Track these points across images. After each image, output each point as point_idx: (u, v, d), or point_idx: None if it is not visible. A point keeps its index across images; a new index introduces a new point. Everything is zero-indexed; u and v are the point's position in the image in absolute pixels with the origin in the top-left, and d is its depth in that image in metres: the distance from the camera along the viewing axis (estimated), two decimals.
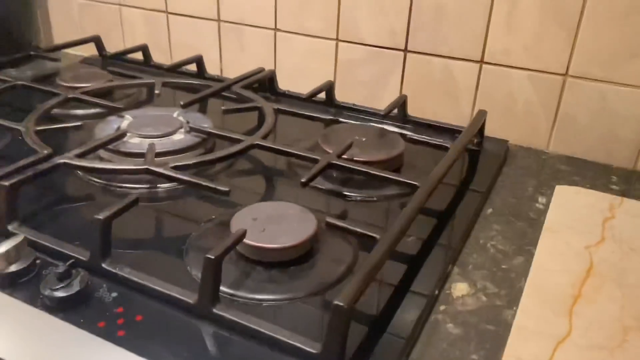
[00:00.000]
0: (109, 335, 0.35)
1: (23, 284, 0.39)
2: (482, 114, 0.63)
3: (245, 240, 0.41)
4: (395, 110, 0.66)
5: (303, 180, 0.46)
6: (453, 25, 0.66)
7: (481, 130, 0.64)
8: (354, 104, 0.71)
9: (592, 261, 0.44)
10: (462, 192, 0.55)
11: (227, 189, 0.45)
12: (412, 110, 0.70)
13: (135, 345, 0.34)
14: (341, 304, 0.32)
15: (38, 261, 0.41)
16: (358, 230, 0.40)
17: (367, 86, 0.74)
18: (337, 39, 0.73)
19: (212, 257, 0.36)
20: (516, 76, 0.65)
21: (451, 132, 0.65)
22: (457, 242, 0.47)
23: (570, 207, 0.52)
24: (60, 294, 0.37)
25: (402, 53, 0.70)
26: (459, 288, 0.43)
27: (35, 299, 0.38)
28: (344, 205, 0.52)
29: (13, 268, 0.39)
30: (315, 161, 0.50)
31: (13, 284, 0.39)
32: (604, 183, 0.60)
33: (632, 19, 0.57)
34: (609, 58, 0.60)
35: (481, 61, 0.66)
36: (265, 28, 0.77)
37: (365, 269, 0.35)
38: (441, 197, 0.52)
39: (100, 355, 0.34)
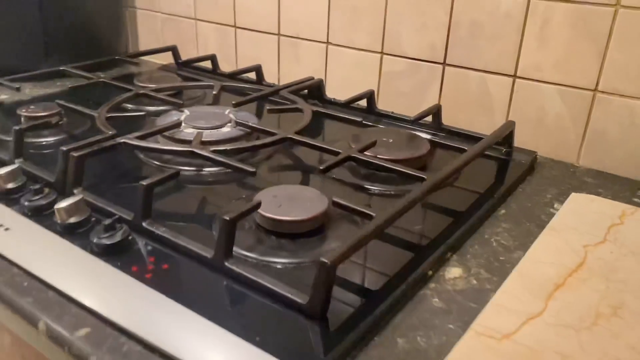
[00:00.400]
0: (139, 276, 0.42)
1: (79, 233, 0.47)
2: (509, 124, 0.66)
3: (261, 212, 0.47)
4: (430, 119, 0.71)
5: (321, 167, 0.52)
6: (488, 40, 0.70)
7: (510, 140, 0.67)
8: (392, 112, 0.76)
9: (586, 258, 0.47)
10: (485, 197, 0.58)
11: (253, 170, 0.51)
12: (449, 121, 0.74)
13: (159, 285, 0.41)
14: (326, 261, 0.37)
15: (93, 219, 0.49)
16: (358, 208, 0.45)
17: (407, 97, 0.79)
18: (381, 52, 0.79)
19: (227, 219, 0.42)
20: (547, 91, 0.67)
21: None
22: (462, 234, 0.51)
23: (580, 211, 0.54)
24: (105, 241, 0.45)
25: (440, 66, 0.75)
26: (453, 272, 0.47)
27: (86, 245, 0.46)
28: (361, 196, 0.57)
29: (72, 220, 0.48)
30: (337, 154, 0.56)
31: (71, 233, 0.47)
32: (627, 196, 0.61)
33: None
34: (638, 74, 0.61)
35: (514, 75, 0.69)
36: (319, 42, 0.85)
37: (354, 238, 0.40)
38: (463, 201, 0.56)
39: (130, 290, 0.41)
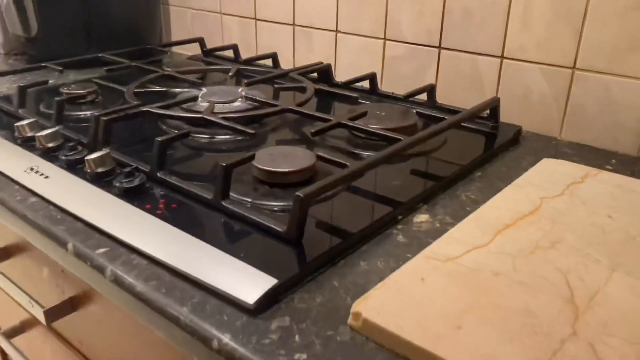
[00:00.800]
0: (150, 212, 0.51)
1: (105, 181, 0.56)
2: (493, 99, 0.72)
3: (256, 164, 0.55)
4: (426, 98, 0.78)
5: (312, 131, 0.60)
6: (478, 25, 0.76)
7: (496, 115, 0.73)
8: (392, 92, 0.83)
9: (540, 207, 0.52)
10: (467, 165, 0.64)
11: (253, 132, 0.59)
12: (445, 100, 0.80)
13: (166, 218, 0.50)
14: (300, 195, 0.45)
15: (117, 171, 0.58)
16: (335, 160, 0.53)
17: (408, 79, 0.86)
18: (384, 38, 0.86)
19: (224, 165, 0.50)
20: (531, 70, 0.73)
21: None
22: (436, 190, 0.58)
23: (546, 172, 0.60)
24: (125, 185, 0.54)
25: (437, 50, 0.81)
26: (421, 217, 0.53)
27: (110, 189, 0.55)
28: (349, 158, 0.64)
29: (99, 170, 0.57)
30: (329, 121, 0.63)
31: (98, 180, 0.56)
32: (600, 164, 0.66)
33: (631, 15, 0.64)
34: (612, 52, 0.66)
35: (501, 56, 0.75)
36: (329, 30, 0.92)
37: (325, 180, 0.48)
38: (446, 168, 0.62)
39: (142, 221, 0.50)
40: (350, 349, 0.37)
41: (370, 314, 0.38)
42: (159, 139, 0.56)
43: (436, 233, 0.50)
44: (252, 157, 0.54)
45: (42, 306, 0.56)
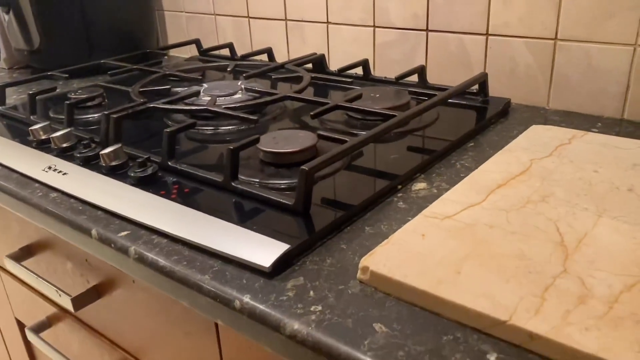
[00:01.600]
0: (166, 197, 0.54)
1: (119, 173, 0.60)
2: (480, 75, 0.75)
3: (261, 147, 0.58)
4: (417, 79, 0.81)
5: (312, 113, 0.63)
6: (462, 5, 0.79)
7: (485, 90, 0.77)
8: (385, 77, 0.86)
9: (530, 167, 0.56)
10: (462, 137, 0.67)
11: (255, 118, 0.63)
12: (435, 80, 0.84)
13: (181, 201, 0.53)
14: (305, 168, 0.48)
15: (130, 164, 0.62)
16: (335, 136, 0.56)
17: (399, 63, 0.89)
18: (374, 26, 0.90)
19: (232, 148, 0.54)
20: (515, 44, 0.77)
21: (461, 93, 0.78)
22: (431, 161, 0.61)
23: (535, 137, 0.63)
24: (139, 174, 0.57)
25: (424, 32, 0.85)
26: (419, 185, 0.57)
27: (126, 179, 0.58)
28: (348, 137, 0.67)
29: (113, 163, 0.60)
30: (327, 104, 0.67)
31: (113, 172, 0.60)
32: (586, 128, 0.69)
33: None
34: (590, 20, 0.70)
35: (487, 34, 0.79)
36: (320, 22, 0.96)
37: (327, 154, 0.51)
38: (440, 141, 0.65)
39: (159, 205, 0.53)
40: (360, 299, 0.40)
41: (377, 266, 0.41)
42: (167, 129, 0.60)
43: (434, 198, 0.53)
44: (257, 140, 0.57)
45: (69, 295, 0.60)
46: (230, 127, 0.71)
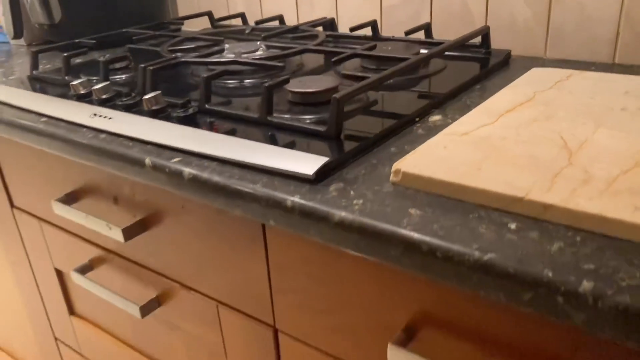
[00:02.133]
0: (209, 130, 0.60)
1: (160, 117, 0.66)
2: (483, 28, 0.81)
3: (289, 88, 0.64)
4: (424, 36, 0.87)
5: (333, 59, 0.69)
6: None
7: (487, 43, 0.83)
8: (392, 36, 0.93)
9: (534, 97, 0.62)
10: (469, 81, 0.73)
11: (282, 64, 0.69)
12: (440, 37, 0.90)
13: (224, 133, 0.59)
14: (337, 96, 0.55)
15: (169, 109, 0.67)
16: (357, 74, 0.62)
17: (405, 24, 0.95)
18: None
19: (266, 86, 0.60)
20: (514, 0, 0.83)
21: (466, 47, 0.85)
22: (443, 99, 0.67)
23: (536, 77, 0.70)
24: (181, 114, 0.63)
25: None
26: (434, 117, 0.63)
27: (168, 120, 0.64)
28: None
29: (154, 107, 0.66)
30: (346, 52, 0.73)
31: (155, 115, 0.66)
32: (582, 71, 0.76)
33: None
34: None
35: None
36: None
37: (354, 87, 0.57)
38: (449, 87, 0.71)
39: (203, 136, 0.59)
40: (395, 195, 0.46)
41: (407, 168, 0.47)
42: (204, 75, 0.66)
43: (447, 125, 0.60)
44: (287, 81, 0.63)
45: (118, 226, 0.66)
46: (253, 80, 0.77)
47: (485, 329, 0.43)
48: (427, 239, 0.40)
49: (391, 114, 0.62)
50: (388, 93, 0.69)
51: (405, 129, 0.60)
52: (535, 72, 0.71)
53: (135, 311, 0.70)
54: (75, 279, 0.78)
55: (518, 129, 0.54)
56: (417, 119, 0.63)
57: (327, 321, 0.54)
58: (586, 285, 0.34)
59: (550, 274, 0.35)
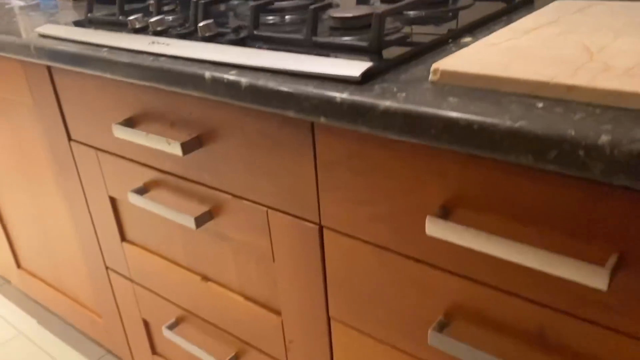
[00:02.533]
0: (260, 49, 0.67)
1: (214, 42, 0.72)
2: None
3: (330, 13, 0.70)
4: None
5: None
6: None
7: None
8: None
9: (558, 19, 0.67)
10: (495, 13, 0.78)
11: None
12: None
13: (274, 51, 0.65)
14: (379, 12, 0.60)
15: (220, 37, 0.74)
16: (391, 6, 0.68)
17: None
18: None
19: (312, 7, 0.66)
20: None
21: None
22: (472, 27, 0.73)
23: (560, 6, 0.75)
24: (234, 37, 0.70)
25: None
26: (466, 40, 0.69)
27: (222, 43, 0.70)
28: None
29: (208, 34, 0.73)
30: None
31: (208, 42, 0.72)
32: (604, 1, 0.80)
33: None
34: None
35: None
36: None
37: (396, 4, 0.63)
38: (479, 16, 0.77)
39: (257, 53, 0.65)
40: (434, 90, 0.52)
41: (445, 67, 0.53)
42: (253, 3, 0.72)
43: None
44: (330, 5, 0.69)
45: (177, 141, 0.73)
46: (293, 17, 0.83)
47: (513, 200, 0.50)
48: (465, 115, 0.46)
49: (425, 41, 0.68)
50: (419, 27, 0.75)
51: (439, 47, 0.66)
52: (558, 3, 0.76)
53: (190, 222, 0.77)
54: (132, 199, 0.85)
55: (543, 40, 0.59)
56: (450, 40, 0.68)
57: (369, 211, 0.61)
58: (604, 138, 0.40)
59: (572, 132, 0.41)
